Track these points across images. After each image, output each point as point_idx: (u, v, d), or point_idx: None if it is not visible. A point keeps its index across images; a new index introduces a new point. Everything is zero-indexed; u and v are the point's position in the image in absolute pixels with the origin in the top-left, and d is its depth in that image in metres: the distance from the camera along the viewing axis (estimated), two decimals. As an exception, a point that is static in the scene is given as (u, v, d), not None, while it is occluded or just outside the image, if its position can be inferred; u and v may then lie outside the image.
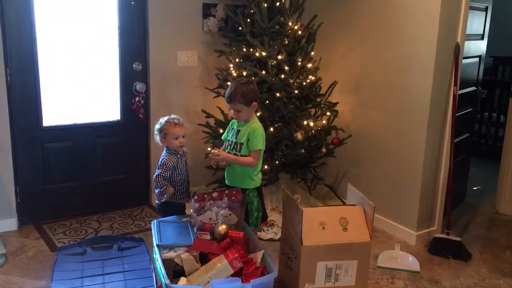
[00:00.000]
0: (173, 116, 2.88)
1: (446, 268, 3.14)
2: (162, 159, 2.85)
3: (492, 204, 4.21)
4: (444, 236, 3.37)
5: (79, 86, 3.61)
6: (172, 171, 2.82)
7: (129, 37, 3.71)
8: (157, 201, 2.94)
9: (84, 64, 3.60)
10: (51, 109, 3.54)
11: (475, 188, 4.62)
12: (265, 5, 3.49)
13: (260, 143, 2.72)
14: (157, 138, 2.88)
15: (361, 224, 2.53)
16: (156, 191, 2.87)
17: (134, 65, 3.76)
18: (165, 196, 2.82)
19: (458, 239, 3.34)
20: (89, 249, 3.16)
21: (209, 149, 3.59)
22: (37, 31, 3.37)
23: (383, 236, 3.55)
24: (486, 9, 3.87)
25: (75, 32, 3.51)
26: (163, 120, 2.87)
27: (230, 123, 2.93)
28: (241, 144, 2.74)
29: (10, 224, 3.46)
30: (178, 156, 2.85)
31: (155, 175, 2.83)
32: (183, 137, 2.84)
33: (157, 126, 2.87)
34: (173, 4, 3.78)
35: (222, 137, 2.97)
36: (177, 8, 3.81)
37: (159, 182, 2.79)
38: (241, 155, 2.75)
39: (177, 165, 2.84)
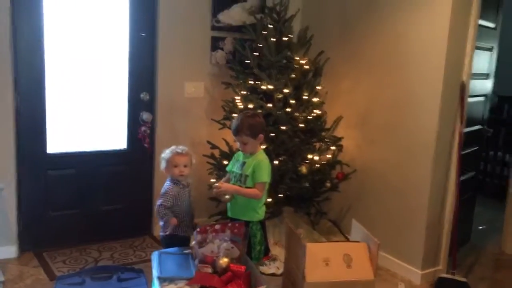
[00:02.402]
0: (180, 146, 2.89)
1: (452, 309, 3.07)
2: (164, 189, 2.84)
3: (497, 244, 4.14)
4: (449, 276, 3.31)
5: (86, 113, 3.64)
6: (174, 202, 2.80)
7: (138, 67, 3.76)
8: (160, 233, 2.91)
9: (92, 92, 3.63)
10: (57, 136, 3.56)
11: (480, 227, 4.56)
12: (273, 39, 3.54)
13: (265, 176, 2.71)
14: (162, 166, 2.89)
15: (365, 262, 2.48)
16: (160, 223, 2.85)
17: (141, 95, 3.79)
18: (169, 228, 2.79)
19: (464, 279, 3.28)
20: (88, 279, 3.10)
21: (212, 180, 3.58)
22: (47, 58, 3.42)
23: (387, 274, 3.49)
24: (491, 49, 3.91)
25: (84, 59, 3.56)
26: (168, 149, 2.88)
27: (235, 155, 2.92)
28: (246, 176, 2.73)
29: (10, 251, 3.42)
30: (180, 186, 2.84)
31: (157, 204, 2.81)
32: (185, 166, 2.83)
33: (162, 155, 2.89)
34: (183, 36, 3.84)
35: (227, 168, 2.96)
36: (187, 41, 3.87)
37: (160, 212, 2.77)
38: (246, 187, 2.73)
39: (179, 196, 2.82)
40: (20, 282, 3.10)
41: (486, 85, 3.99)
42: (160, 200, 2.80)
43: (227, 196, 2.76)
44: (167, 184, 2.86)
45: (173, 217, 2.79)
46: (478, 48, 3.43)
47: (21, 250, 3.49)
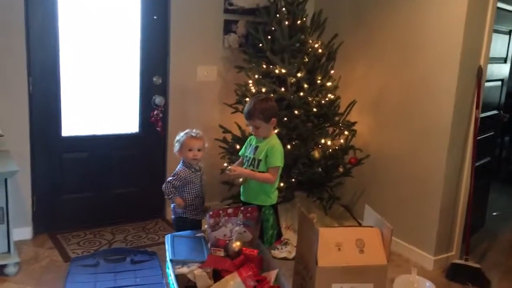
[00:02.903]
0: (194, 129, 2.89)
1: (464, 295, 3.06)
2: (176, 170, 2.85)
3: (511, 231, 4.10)
4: (462, 262, 3.29)
5: (99, 97, 3.65)
6: (184, 184, 2.81)
7: (150, 51, 3.74)
8: (172, 216, 2.93)
9: (105, 76, 3.64)
10: (71, 119, 3.58)
11: (494, 213, 4.52)
12: (286, 22, 3.50)
13: (278, 160, 2.70)
14: (175, 149, 2.89)
15: (378, 247, 2.47)
16: (172, 206, 2.86)
17: (154, 79, 3.79)
18: (175, 205, 2.82)
19: (477, 265, 3.26)
20: (102, 261, 3.15)
21: (225, 164, 3.58)
22: (60, 41, 3.42)
23: (400, 260, 3.48)
24: (509, 33, 3.82)
25: (97, 43, 3.56)
26: (183, 132, 2.88)
27: (248, 139, 2.91)
28: (259, 160, 2.72)
29: (25, 232, 3.47)
30: (193, 170, 2.84)
31: (165, 181, 2.82)
32: (199, 150, 2.83)
33: (177, 137, 2.89)
34: (195, 19, 3.82)
35: (239, 153, 2.95)
36: (199, 24, 3.84)
37: (167, 188, 2.79)
38: (259, 172, 2.73)
39: (190, 179, 2.82)
40: (35, 263, 3.14)
41: (503, 70, 3.92)
42: (170, 178, 2.81)
43: (240, 179, 2.75)
44: (179, 166, 2.87)
45: (178, 197, 2.80)
46: (496, 31, 3.36)
47: (35, 231, 3.54)
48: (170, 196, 2.80)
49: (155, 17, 3.71)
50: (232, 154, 3.62)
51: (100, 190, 3.78)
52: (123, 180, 3.85)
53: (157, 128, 3.82)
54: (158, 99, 3.79)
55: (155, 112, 3.81)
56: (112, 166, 3.79)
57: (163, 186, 2.80)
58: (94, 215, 3.77)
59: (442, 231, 3.37)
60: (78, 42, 3.50)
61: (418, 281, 3.09)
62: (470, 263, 3.27)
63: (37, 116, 3.43)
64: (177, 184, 2.79)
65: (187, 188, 2.83)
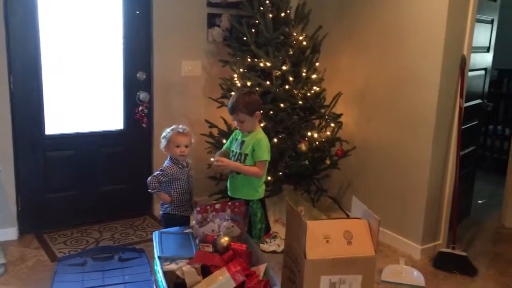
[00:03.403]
0: (180, 125, 2.87)
1: (452, 283, 3.09)
2: (163, 166, 2.83)
3: (497, 218, 4.16)
4: (449, 250, 3.33)
5: (82, 94, 3.61)
6: (171, 181, 2.80)
7: (134, 46, 3.70)
8: (160, 212, 2.92)
9: (88, 73, 3.59)
10: (54, 118, 3.53)
11: (480, 201, 4.57)
12: (270, 15, 3.48)
13: (265, 154, 2.69)
14: (162, 145, 2.87)
15: (365, 238, 2.48)
16: (160, 202, 2.85)
17: (138, 75, 3.75)
18: (162, 201, 2.81)
19: (464, 253, 3.29)
20: (90, 259, 3.12)
21: (212, 159, 3.56)
22: (41, 39, 3.37)
23: (387, 250, 3.51)
24: (492, 22, 3.85)
25: (79, 40, 3.51)
26: (169, 128, 2.86)
27: (233, 134, 2.90)
28: (246, 155, 2.71)
29: (11, 233, 3.43)
30: (180, 166, 2.82)
31: (150, 176, 2.80)
32: (186, 146, 2.81)
33: (163, 134, 2.86)
34: (178, 13, 3.78)
35: (224, 147, 2.94)
36: (182, 18, 3.81)
37: (152, 182, 2.76)
38: (246, 166, 2.72)
39: (177, 175, 2.81)
40: (22, 264, 3.11)
41: (486, 59, 3.95)
42: (156, 173, 2.79)
43: (228, 170, 2.74)
44: (167, 162, 2.85)
45: (162, 192, 2.79)
46: (478, 20, 3.38)
47: (21, 232, 3.49)
48: (154, 191, 2.79)
49: (137, 12, 3.67)
50: (218, 149, 3.59)
51: (86, 188, 3.74)
52: (109, 177, 3.81)
53: (143, 124, 3.79)
54: (143, 95, 3.76)
55: (140, 108, 3.77)
56: (98, 163, 3.75)
57: (148, 179, 2.77)
58: (80, 214, 3.74)
59: (428, 221, 3.40)
60: (59, 38, 3.45)
61: (406, 270, 3.13)
62: (457, 251, 3.31)
63: (20, 115, 3.38)
64: (162, 179, 2.78)
65: (174, 184, 2.81)
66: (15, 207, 3.45)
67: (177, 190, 2.82)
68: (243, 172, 2.71)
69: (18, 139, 3.39)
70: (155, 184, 2.77)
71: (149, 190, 2.80)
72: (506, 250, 3.62)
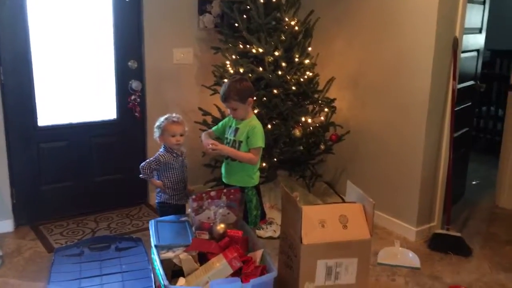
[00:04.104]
0: (174, 114, 2.86)
1: (447, 264, 3.12)
2: (157, 153, 2.83)
3: (491, 199, 4.19)
4: (444, 231, 3.36)
5: (74, 85, 3.58)
6: (165, 170, 2.79)
7: (124, 35, 3.67)
8: (156, 201, 2.92)
9: (79, 63, 3.56)
10: (46, 109, 3.50)
11: (474, 182, 4.60)
12: (261, 0, 3.45)
13: (260, 141, 2.69)
14: (156, 135, 2.86)
15: (361, 222, 2.50)
16: (156, 190, 2.86)
17: (129, 63, 3.72)
18: (159, 189, 2.82)
19: (458, 234, 3.33)
20: (87, 249, 3.12)
21: (202, 139, 3.55)
22: (31, 29, 3.33)
23: (383, 233, 3.53)
24: (484, 2, 3.84)
25: (69, 30, 3.47)
26: (162, 118, 2.85)
27: (226, 119, 2.89)
28: (240, 142, 2.71)
29: (6, 225, 3.42)
30: (174, 155, 2.82)
31: (146, 161, 2.80)
32: (181, 135, 2.81)
33: (157, 123, 2.85)
34: (168, 0, 3.74)
35: (213, 128, 2.93)
36: (172, 5, 3.77)
37: (144, 168, 2.78)
38: (240, 154, 2.72)
39: (171, 164, 2.80)
40: (19, 256, 3.11)
41: (479, 40, 3.94)
42: (151, 159, 2.80)
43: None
44: (161, 150, 2.85)
45: (154, 179, 2.81)
46: (470, 1, 3.37)
47: (17, 224, 3.49)
48: (145, 176, 2.80)
49: (127, 0, 3.62)
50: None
51: (81, 179, 3.73)
52: (103, 167, 3.81)
53: (135, 114, 3.77)
54: (135, 84, 3.73)
55: (132, 97, 3.75)
56: (92, 154, 3.74)
57: (142, 164, 2.78)
58: (76, 204, 3.73)
59: (423, 203, 3.42)
60: (49, 28, 3.40)
61: (401, 252, 3.16)
62: (452, 232, 3.34)
63: (11, 107, 3.35)
64: (155, 167, 2.78)
65: (169, 173, 2.81)
66: (10, 199, 3.44)
67: (172, 179, 2.82)
68: (238, 158, 2.71)
69: (10, 131, 3.37)
70: (147, 170, 2.78)
71: (140, 176, 2.81)
72: (500, 230, 3.66)
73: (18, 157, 3.45)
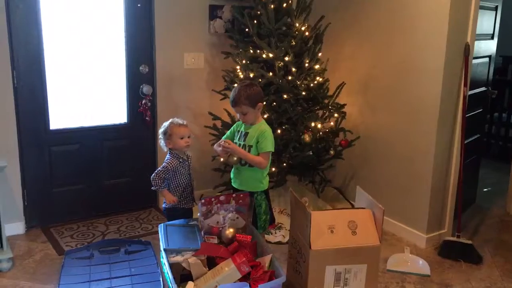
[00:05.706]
0: (177, 118, 2.87)
1: (457, 271, 3.10)
2: (165, 162, 2.84)
3: (502, 206, 4.15)
4: (454, 239, 3.33)
5: (86, 89, 3.61)
6: (172, 176, 2.81)
7: (136, 40, 3.70)
8: (163, 206, 2.93)
9: (90, 67, 3.59)
10: (58, 112, 3.54)
11: (485, 189, 4.56)
12: (272, 6, 3.47)
13: (269, 145, 2.70)
14: (162, 142, 2.86)
15: (370, 228, 2.49)
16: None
17: (140, 68, 3.75)
18: (165, 199, 2.83)
19: (469, 242, 3.29)
20: (97, 252, 3.15)
21: (215, 147, 3.57)
22: (44, 34, 3.36)
23: (392, 239, 3.51)
24: (496, 9, 3.82)
25: (81, 34, 3.51)
26: (166, 123, 2.86)
27: (234, 125, 2.90)
28: (250, 146, 2.72)
29: (18, 227, 3.45)
30: (181, 160, 2.83)
31: (153, 173, 2.81)
32: (189, 137, 2.83)
33: (161, 130, 2.86)
34: (180, 6, 3.77)
35: (224, 137, 2.94)
36: (184, 10, 3.80)
37: (155, 180, 2.79)
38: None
39: (178, 170, 2.81)
40: (29, 258, 3.13)
41: (490, 46, 3.92)
42: (159, 169, 2.81)
43: (235, 158, 2.73)
44: (167, 157, 2.86)
45: (165, 190, 2.81)
46: (482, 7, 3.35)
47: (28, 226, 3.52)
48: (156, 188, 2.81)
49: (138, 5, 3.66)
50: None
51: (92, 182, 3.76)
52: (114, 171, 3.83)
53: (146, 118, 3.79)
54: (146, 88, 3.76)
55: (143, 102, 3.78)
56: (102, 157, 3.76)
57: (152, 175, 2.79)
58: (86, 207, 3.76)
59: (433, 209, 3.39)
60: (62, 33, 3.44)
61: (411, 259, 3.14)
62: (462, 240, 3.31)
63: (24, 110, 3.39)
64: (164, 175, 2.79)
65: (176, 178, 2.82)
66: (22, 201, 3.47)
67: (179, 184, 2.83)
68: (248, 160, 2.71)
69: (23, 134, 3.41)
70: (158, 181, 2.79)
71: (152, 188, 2.82)
72: (511, 238, 3.62)
73: (30, 160, 3.48)
